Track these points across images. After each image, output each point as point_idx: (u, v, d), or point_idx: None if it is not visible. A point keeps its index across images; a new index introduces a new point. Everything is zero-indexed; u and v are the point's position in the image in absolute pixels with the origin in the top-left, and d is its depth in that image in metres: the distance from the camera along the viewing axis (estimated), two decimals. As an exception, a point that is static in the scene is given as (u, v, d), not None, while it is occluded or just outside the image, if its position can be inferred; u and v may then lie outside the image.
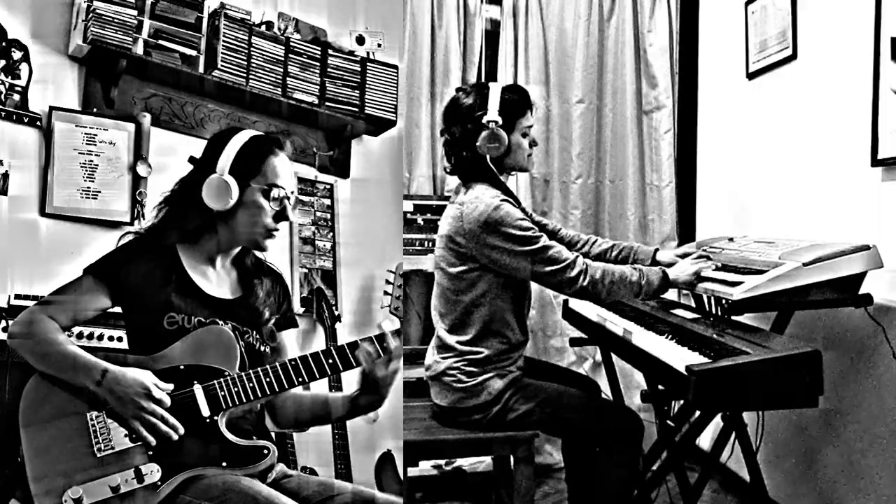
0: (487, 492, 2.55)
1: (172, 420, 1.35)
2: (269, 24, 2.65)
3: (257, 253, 1.56)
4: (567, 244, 2.19)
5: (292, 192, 1.50)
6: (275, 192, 1.47)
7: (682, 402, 2.16)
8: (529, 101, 1.96)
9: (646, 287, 1.85)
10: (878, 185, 2.05)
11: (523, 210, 2.13)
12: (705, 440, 2.72)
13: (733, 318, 1.94)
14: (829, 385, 1.59)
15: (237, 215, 1.46)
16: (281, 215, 1.49)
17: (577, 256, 1.84)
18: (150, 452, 1.35)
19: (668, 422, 2.21)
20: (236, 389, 1.39)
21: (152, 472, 1.33)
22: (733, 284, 1.82)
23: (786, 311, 1.92)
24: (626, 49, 3.04)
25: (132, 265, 1.44)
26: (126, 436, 1.35)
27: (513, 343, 1.90)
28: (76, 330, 2.08)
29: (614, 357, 2.39)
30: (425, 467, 2.57)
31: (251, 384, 1.39)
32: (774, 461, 2.43)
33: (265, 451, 1.39)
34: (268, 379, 1.40)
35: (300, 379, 1.41)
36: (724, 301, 1.93)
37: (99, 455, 1.33)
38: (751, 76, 2.70)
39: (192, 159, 1.51)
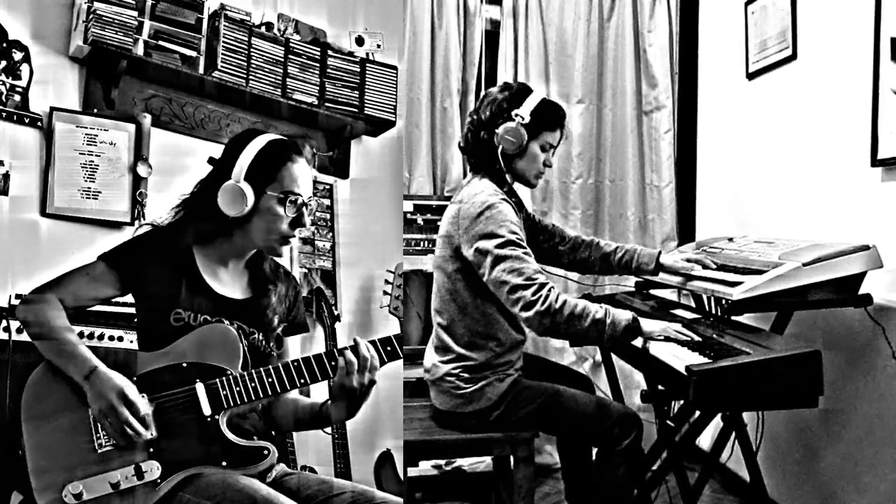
0: (487, 492, 2.55)
1: (139, 427, 1.34)
2: (269, 25, 2.65)
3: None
4: (570, 245, 2.18)
5: (309, 198, 1.48)
6: (291, 199, 1.45)
7: (682, 402, 2.16)
8: (563, 122, 1.96)
9: (610, 329, 1.71)
10: (878, 185, 2.05)
11: (527, 214, 2.14)
12: (705, 440, 2.72)
13: (733, 318, 1.94)
14: (829, 385, 1.59)
15: (253, 222, 1.45)
16: (297, 222, 1.47)
17: (548, 283, 1.72)
18: (151, 450, 1.35)
19: (668, 422, 2.21)
20: (238, 389, 1.39)
21: (152, 469, 1.33)
22: (733, 284, 1.82)
23: (786, 311, 1.92)
24: (626, 49, 3.05)
25: (146, 258, 1.44)
26: None
27: (508, 344, 1.88)
28: (76, 329, 2.08)
29: (614, 357, 2.39)
30: (425, 467, 2.57)
31: (253, 384, 1.39)
32: (774, 461, 2.43)
33: (265, 452, 1.39)
34: (270, 379, 1.40)
35: (302, 380, 1.41)
36: (723, 301, 1.93)
37: (99, 451, 1.34)
38: (751, 76, 2.70)
39: (211, 160, 1.50)
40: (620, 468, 1.84)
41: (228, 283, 1.50)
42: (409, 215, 2.76)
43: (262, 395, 1.40)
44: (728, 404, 1.77)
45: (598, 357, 2.77)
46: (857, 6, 2.10)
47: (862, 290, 1.83)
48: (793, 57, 2.44)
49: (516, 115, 1.87)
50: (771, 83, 2.59)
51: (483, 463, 2.59)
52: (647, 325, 1.76)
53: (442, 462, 2.58)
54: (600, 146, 3.09)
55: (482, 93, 2.00)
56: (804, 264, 1.77)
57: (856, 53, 2.10)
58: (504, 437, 1.88)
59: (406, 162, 2.90)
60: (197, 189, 1.50)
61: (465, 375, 1.86)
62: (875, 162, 2.03)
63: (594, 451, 1.94)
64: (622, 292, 2.55)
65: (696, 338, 1.76)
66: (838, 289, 1.81)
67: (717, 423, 2.16)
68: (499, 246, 1.74)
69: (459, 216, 1.84)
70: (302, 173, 1.48)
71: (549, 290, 1.70)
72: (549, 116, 1.92)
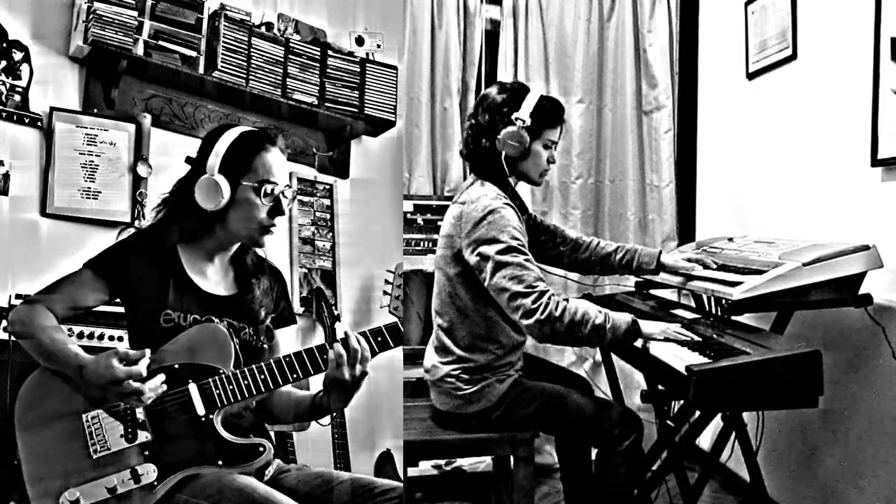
0: (487, 492, 2.55)
1: (135, 387, 1.32)
2: (269, 25, 2.65)
3: (257, 249, 1.57)
4: (571, 246, 2.18)
5: (287, 186, 1.49)
6: (266, 188, 1.46)
7: (682, 402, 2.16)
8: (562, 116, 1.95)
9: (610, 333, 1.70)
10: (878, 185, 2.05)
11: (528, 215, 2.14)
12: (705, 440, 2.71)
13: (733, 318, 1.94)
14: (829, 385, 1.59)
15: (230, 214, 1.46)
16: (276, 210, 1.48)
17: (549, 291, 1.71)
18: (146, 453, 1.35)
19: (668, 422, 2.21)
20: (231, 387, 1.39)
21: (148, 472, 1.34)
22: (733, 284, 1.82)
23: (786, 311, 1.92)
24: (626, 49, 3.04)
25: (132, 261, 1.45)
26: (121, 436, 1.35)
27: (509, 346, 1.88)
28: (77, 329, 2.09)
29: (614, 357, 2.39)
30: (425, 467, 2.57)
31: (246, 382, 1.39)
32: (774, 461, 2.43)
33: (261, 449, 1.39)
34: (262, 376, 1.40)
35: (295, 375, 1.41)
36: (723, 301, 1.93)
37: (95, 456, 1.34)
38: (751, 76, 2.70)
39: (188, 159, 1.51)
40: (620, 468, 1.84)
41: (215, 280, 1.51)
42: (409, 215, 2.76)
43: (255, 393, 1.40)
44: (728, 404, 1.77)
45: (598, 357, 2.77)
46: (857, 6, 2.10)
47: (862, 290, 1.83)
48: (793, 57, 2.44)
49: (516, 118, 1.86)
50: (771, 83, 2.59)
51: (483, 463, 2.59)
52: (647, 326, 1.76)
53: (442, 462, 2.58)
54: (600, 146, 3.09)
55: (480, 94, 2.00)
56: (804, 264, 1.77)
57: (856, 53, 2.10)
58: (504, 437, 1.88)
59: (406, 162, 2.90)
60: (176, 188, 1.51)
61: (466, 377, 1.86)
62: (875, 162, 2.03)
63: (594, 451, 1.94)
64: (622, 292, 2.55)
65: (696, 338, 1.76)
66: (838, 289, 1.81)
67: (717, 423, 2.16)
68: (500, 252, 1.74)
69: (462, 219, 1.83)
70: (276, 162, 1.48)
71: (549, 298, 1.70)
72: (550, 114, 1.91)
